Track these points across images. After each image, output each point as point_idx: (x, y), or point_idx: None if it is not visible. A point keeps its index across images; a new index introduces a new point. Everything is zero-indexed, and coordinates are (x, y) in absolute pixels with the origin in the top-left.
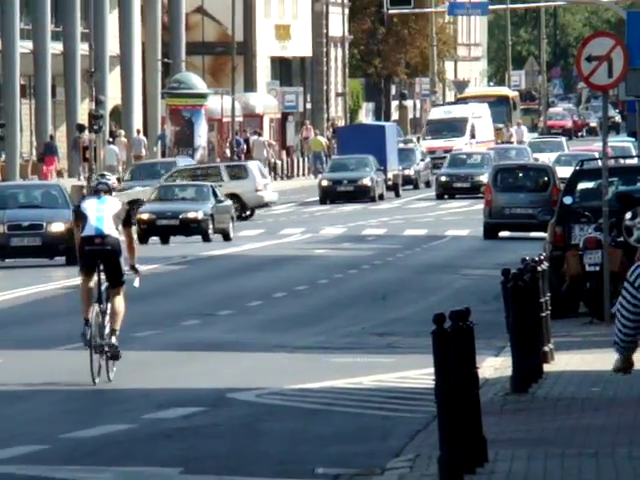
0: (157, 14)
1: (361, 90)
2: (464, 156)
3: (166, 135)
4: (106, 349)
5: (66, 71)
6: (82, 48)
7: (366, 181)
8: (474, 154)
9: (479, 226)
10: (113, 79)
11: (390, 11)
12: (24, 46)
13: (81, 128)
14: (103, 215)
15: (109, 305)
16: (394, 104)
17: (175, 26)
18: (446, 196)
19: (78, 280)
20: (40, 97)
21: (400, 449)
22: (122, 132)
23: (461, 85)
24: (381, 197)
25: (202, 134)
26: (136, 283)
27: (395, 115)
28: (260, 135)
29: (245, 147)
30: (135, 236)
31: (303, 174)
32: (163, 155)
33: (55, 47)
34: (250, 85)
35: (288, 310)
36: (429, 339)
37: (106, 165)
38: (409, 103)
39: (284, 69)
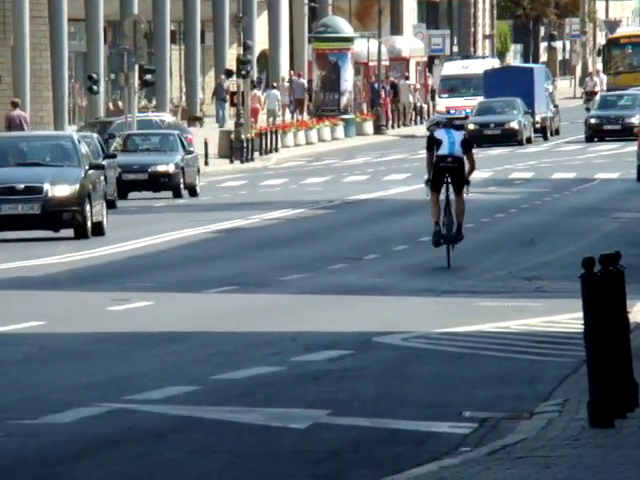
0: None
1: (509, 32)
2: (614, 97)
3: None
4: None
5: (215, 16)
6: None
7: (513, 124)
8: (625, 95)
9: (630, 169)
10: (261, 24)
11: None
12: None
13: (229, 73)
14: (454, 141)
15: (455, 206)
16: (543, 46)
17: None
18: (596, 139)
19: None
20: (189, 42)
21: (548, 393)
22: (285, 77)
23: (613, 25)
24: (529, 140)
25: (348, 78)
26: (466, 193)
27: (544, 57)
28: (407, 79)
29: (391, 92)
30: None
31: None
32: (309, 99)
33: None
34: (396, 28)
35: (434, 254)
36: (578, 283)
37: (268, 109)
38: (558, 44)
39: (431, 12)
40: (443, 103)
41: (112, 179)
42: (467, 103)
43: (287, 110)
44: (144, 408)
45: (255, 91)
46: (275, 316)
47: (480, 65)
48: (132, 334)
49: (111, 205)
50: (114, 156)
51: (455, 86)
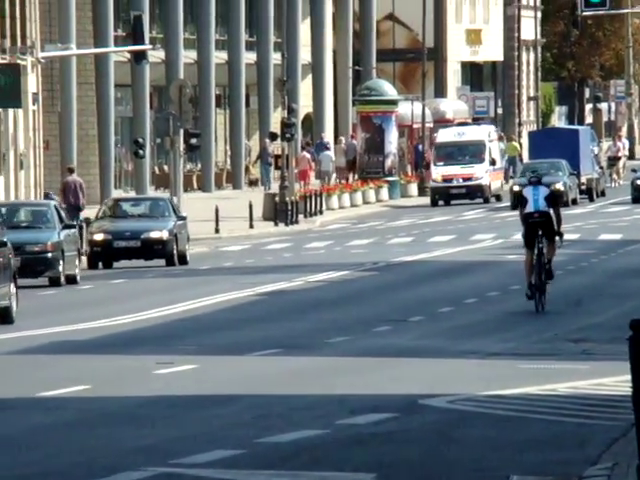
0: (348, 22)
1: (554, 93)
2: None
3: (324, 143)
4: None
5: (259, 80)
6: (275, 57)
7: (559, 186)
8: None
9: None
10: (305, 87)
11: (584, 13)
12: (219, 57)
13: (273, 136)
14: (539, 197)
15: (546, 251)
16: (588, 107)
17: (366, 33)
18: None
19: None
20: (234, 106)
21: (597, 457)
22: (342, 139)
23: None
24: (574, 202)
25: (392, 140)
26: (558, 244)
27: (589, 118)
28: None
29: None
30: (555, 212)
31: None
32: (353, 163)
33: (249, 57)
34: (440, 91)
35: (479, 316)
36: (625, 345)
37: (322, 170)
38: (603, 106)
39: (475, 74)
40: (439, 172)
41: (73, 251)
42: (464, 171)
43: (343, 171)
44: (190, 472)
45: (304, 153)
46: (320, 379)
47: (476, 132)
48: (177, 397)
49: (72, 281)
50: (73, 227)
51: (451, 154)
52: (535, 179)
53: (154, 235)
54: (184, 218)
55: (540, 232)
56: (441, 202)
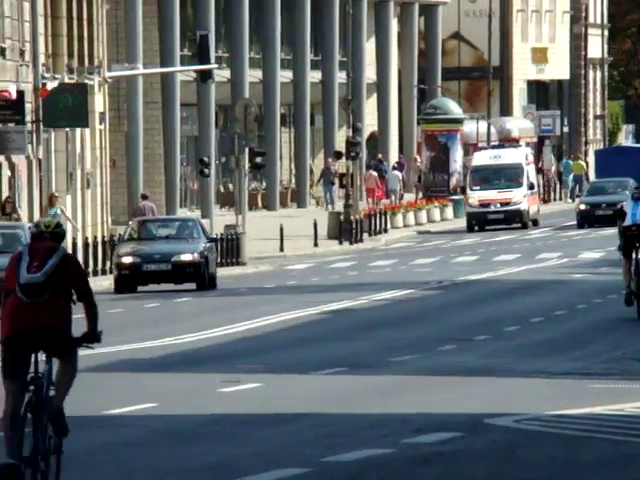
0: (414, 41)
1: (620, 112)
2: None
3: (383, 164)
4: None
5: (324, 99)
6: (340, 76)
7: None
8: None
9: None
10: (370, 106)
11: None
12: (284, 75)
13: (338, 155)
14: (636, 212)
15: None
16: None
17: (431, 52)
18: None
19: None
20: (299, 125)
21: None
22: (417, 157)
23: None
24: None
25: (457, 159)
26: None
27: None
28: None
29: None
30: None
31: (560, 198)
32: (418, 180)
33: (314, 76)
34: (506, 109)
35: (545, 335)
36: None
37: (389, 189)
38: None
39: (541, 92)
40: (475, 196)
41: None
42: (501, 196)
43: (414, 189)
44: None
45: (371, 171)
46: (385, 397)
47: (513, 155)
48: (242, 416)
49: None
50: None
51: (487, 177)
52: (638, 194)
53: (185, 258)
54: (214, 240)
55: (637, 244)
56: (477, 228)
